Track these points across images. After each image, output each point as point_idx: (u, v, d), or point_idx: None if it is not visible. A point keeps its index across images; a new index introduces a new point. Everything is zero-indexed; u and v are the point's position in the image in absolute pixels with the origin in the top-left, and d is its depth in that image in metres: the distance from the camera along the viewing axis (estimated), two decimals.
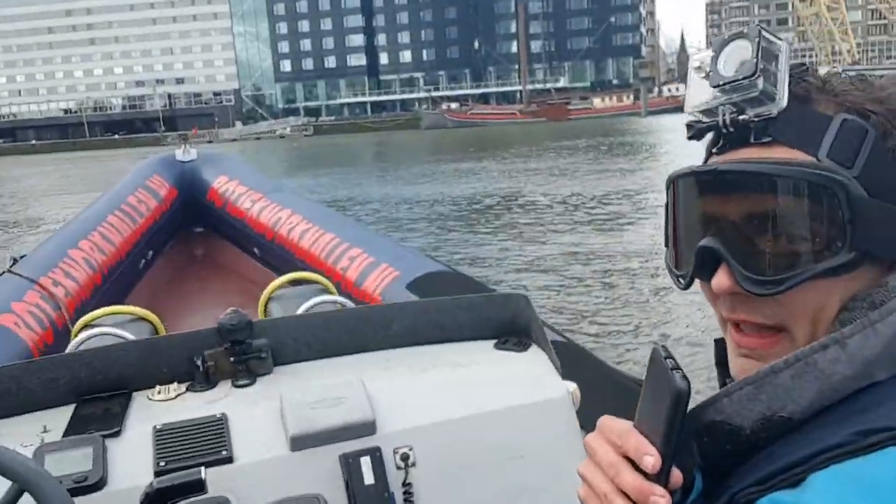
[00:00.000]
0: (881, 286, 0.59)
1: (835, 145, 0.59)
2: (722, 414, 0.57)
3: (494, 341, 1.76)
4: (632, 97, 70.66)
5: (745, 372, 0.63)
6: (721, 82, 0.61)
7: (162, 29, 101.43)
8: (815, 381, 0.55)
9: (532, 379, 1.61)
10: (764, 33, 0.60)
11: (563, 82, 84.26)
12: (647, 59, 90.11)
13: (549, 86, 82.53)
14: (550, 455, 1.53)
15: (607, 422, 0.62)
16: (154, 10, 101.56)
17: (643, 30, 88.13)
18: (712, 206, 0.63)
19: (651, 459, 0.56)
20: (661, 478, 0.57)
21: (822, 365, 0.55)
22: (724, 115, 0.62)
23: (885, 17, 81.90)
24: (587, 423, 1.53)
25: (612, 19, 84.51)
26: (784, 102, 0.60)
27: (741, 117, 0.61)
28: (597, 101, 70.45)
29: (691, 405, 0.58)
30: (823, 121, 0.60)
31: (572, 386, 1.57)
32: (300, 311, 2.29)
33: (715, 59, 0.62)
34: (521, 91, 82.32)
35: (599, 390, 1.77)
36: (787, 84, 0.60)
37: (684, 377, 0.56)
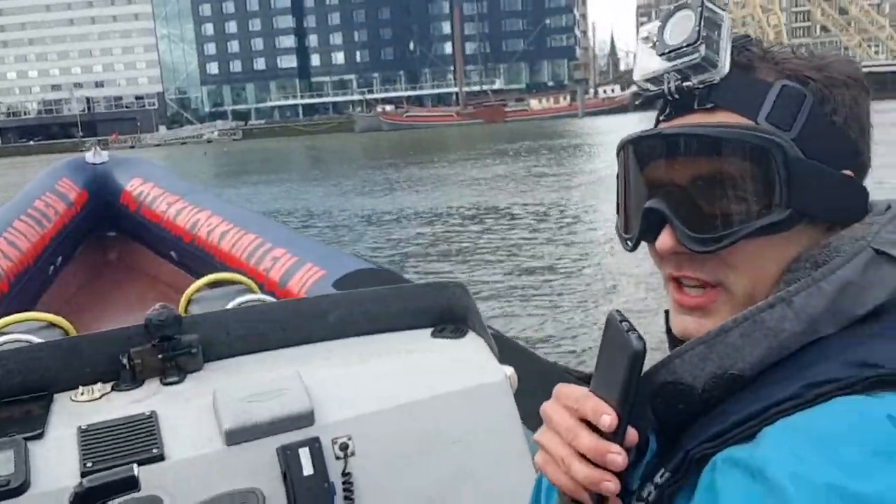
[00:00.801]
0: (824, 247, 0.61)
1: (774, 109, 0.61)
2: (674, 374, 0.59)
3: (432, 329, 1.76)
4: (568, 98, 71.76)
5: (685, 330, 0.65)
6: (666, 50, 0.63)
7: (80, 30, 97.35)
8: (763, 339, 0.57)
9: (470, 364, 1.62)
10: (707, 3, 0.62)
11: (498, 84, 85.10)
12: (581, 60, 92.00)
13: (485, 87, 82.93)
14: (490, 439, 1.53)
15: (563, 389, 0.63)
16: (71, 10, 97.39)
17: (577, 32, 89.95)
18: (657, 169, 0.66)
19: (608, 418, 0.57)
20: (617, 436, 0.57)
21: (770, 323, 0.57)
22: (669, 82, 0.64)
23: (808, 20, 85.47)
24: (521, 413, 1.54)
25: (548, 21, 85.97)
26: (726, 69, 0.62)
27: (685, 84, 0.63)
28: (533, 103, 71.27)
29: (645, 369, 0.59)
30: (764, 87, 0.62)
31: (510, 370, 1.59)
32: None
33: (662, 28, 0.64)
34: (456, 93, 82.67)
35: (532, 380, 1.79)
36: (728, 52, 0.62)
37: (640, 337, 0.56)
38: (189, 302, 2.49)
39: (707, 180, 0.62)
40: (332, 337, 1.74)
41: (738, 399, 0.56)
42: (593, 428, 0.58)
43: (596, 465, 0.57)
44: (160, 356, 1.57)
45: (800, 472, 0.47)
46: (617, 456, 0.57)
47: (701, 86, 0.63)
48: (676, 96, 0.64)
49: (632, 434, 0.59)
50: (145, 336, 1.59)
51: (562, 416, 0.61)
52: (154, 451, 1.35)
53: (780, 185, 0.60)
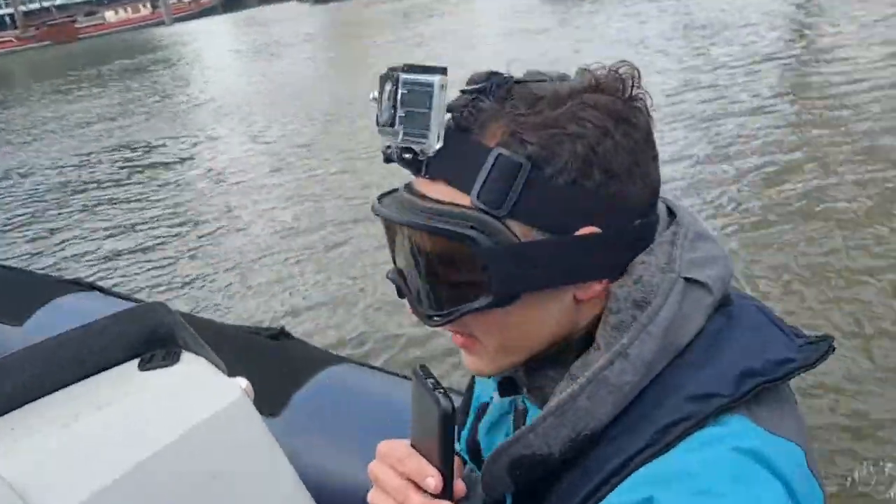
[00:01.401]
0: (636, 282, 0.60)
1: (486, 184, 0.57)
2: (530, 448, 0.59)
3: (138, 361, 1.56)
4: (149, 6, 64.64)
5: (464, 362, 0.67)
6: (378, 125, 0.59)
7: None
8: (609, 396, 0.57)
9: (195, 390, 1.46)
10: (404, 77, 0.56)
11: None
12: None
13: (45, 4, 70.16)
14: (244, 461, 1.44)
15: (385, 447, 0.63)
16: None
17: None
18: (389, 238, 0.66)
19: (433, 481, 0.58)
20: (445, 494, 0.59)
21: (613, 379, 0.57)
22: (394, 148, 0.60)
23: None
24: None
25: None
26: (436, 144, 0.58)
27: (406, 155, 0.59)
28: (109, 15, 62.37)
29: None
30: (481, 156, 0.57)
31: (244, 382, 1.46)
32: None
33: (379, 99, 0.59)
34: (11, 14, 68.37)
35: (224, 350, 1.67)
36: (440, 123, 0.58)
37: (446, 395, 0.57)
38: None
39: (417, 261, 0.61)
40: (19, 405, 1.43)
41: (597, 455, 0.57)
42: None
43: None
44: None
45: None
46: None
47: (420, 154, 0.59)
48: (403, 161, 0.60)
49: (459, 486, 0.61)
50: None
51: (388, 475, 0.61)
52: None
53: (476, 271, 0.58)
